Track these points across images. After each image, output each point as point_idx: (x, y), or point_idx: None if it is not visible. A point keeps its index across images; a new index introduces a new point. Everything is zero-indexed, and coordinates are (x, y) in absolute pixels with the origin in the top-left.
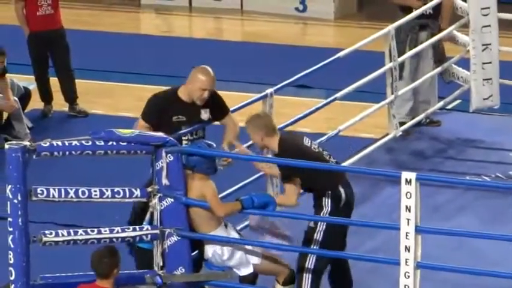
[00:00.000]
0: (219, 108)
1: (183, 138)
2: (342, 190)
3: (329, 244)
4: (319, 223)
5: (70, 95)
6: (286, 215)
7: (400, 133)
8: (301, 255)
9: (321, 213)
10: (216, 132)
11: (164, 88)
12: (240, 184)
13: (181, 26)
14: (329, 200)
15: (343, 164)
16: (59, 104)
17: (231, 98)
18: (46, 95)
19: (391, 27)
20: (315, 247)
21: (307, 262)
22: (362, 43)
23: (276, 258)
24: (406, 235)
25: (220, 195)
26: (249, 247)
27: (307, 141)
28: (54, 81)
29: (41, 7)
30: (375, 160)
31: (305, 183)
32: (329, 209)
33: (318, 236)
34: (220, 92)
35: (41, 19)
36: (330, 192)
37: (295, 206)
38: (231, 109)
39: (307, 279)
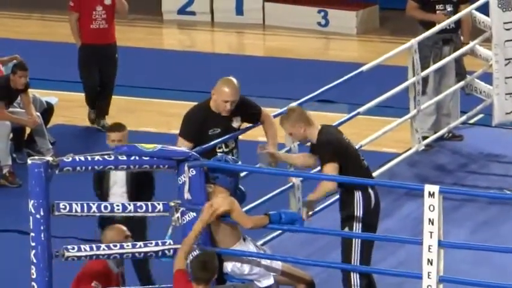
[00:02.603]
0: (250, 112)
1: (217, 150)
2: (371, 191)
3: (366, 247)
4: (354, 225)
5: (104, 109)
6: (313, 230)
7: (423, 147)
8: (344, 257)
9: (354, 211)
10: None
11: (188, 104)
12: (263, 198)
13: (203, 41)
14: (361, 199)
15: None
16: (80, 119)
17: None
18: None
19: (414, 41)
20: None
21: (352, 261)
22: (385, 57)
23: (296, 268)
24: (429, 248)
25: (244, 209)
26: (269, 259)
27: (345, 137)
28: (78, 97)
29: (95, 20)
30: (397, 174)
31: (341, 173)
32: (362, 210)
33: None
34: None
35: (94, 32)
36: (360, 191)
37: (333, 190)
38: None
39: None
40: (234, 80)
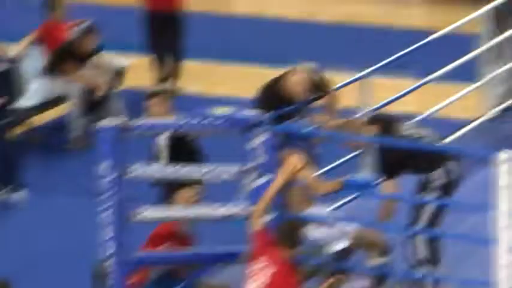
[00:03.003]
0: (319, 89)
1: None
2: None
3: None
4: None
5: (174, 72)
6: (388, 197)
7: (494, 115)
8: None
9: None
10: None
11: (259, 70)
12: (336, 162)
13: (273, 5)
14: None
15: None
16: (152, 82)
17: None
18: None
19: (487, 8)
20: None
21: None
22: (457, 24)
23: (371, 231)
24: (503, 214)
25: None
26: (343, 223)
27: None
28: (149, 60)
29: None
30: (468, 142)
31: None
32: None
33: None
34: None
35: None
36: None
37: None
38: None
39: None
40: (311, 67)
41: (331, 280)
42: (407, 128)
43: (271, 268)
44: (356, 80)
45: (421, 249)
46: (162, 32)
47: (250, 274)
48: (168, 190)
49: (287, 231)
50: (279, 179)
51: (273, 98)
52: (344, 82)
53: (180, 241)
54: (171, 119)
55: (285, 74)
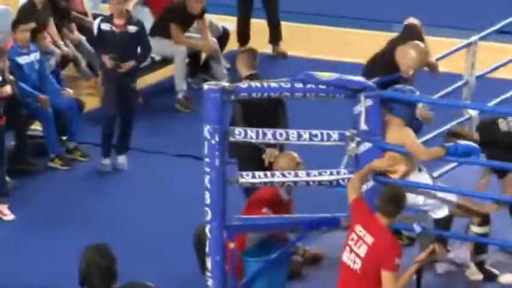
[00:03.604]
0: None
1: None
2: None
3: None
4: None
5: (274, 36)
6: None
7: None
8: None
9: None
10: None
11: (362, 32)
12: (439, 130)
13: None
14: None
15: None
16: (257, 45)
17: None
18: (244, 36)
19: None
20: None
21: None
22: None
23: (472, 201)
24: None
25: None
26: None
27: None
28: (255, 22)
29: None
30: None
31: None
32: None
33: None
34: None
35: None
36: None
37: None
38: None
39: None
40: (422, 46)
41: (431, 247)
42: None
43: (371, 236)
44: (468, 45)
45: None
46: None
47: (349, 241)
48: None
49: (389, 198)
50: (374, 166)
51: (383, 68)
52: (455, 48)
53: (279, 206)
54: (275, 83)
55: (396, 42)
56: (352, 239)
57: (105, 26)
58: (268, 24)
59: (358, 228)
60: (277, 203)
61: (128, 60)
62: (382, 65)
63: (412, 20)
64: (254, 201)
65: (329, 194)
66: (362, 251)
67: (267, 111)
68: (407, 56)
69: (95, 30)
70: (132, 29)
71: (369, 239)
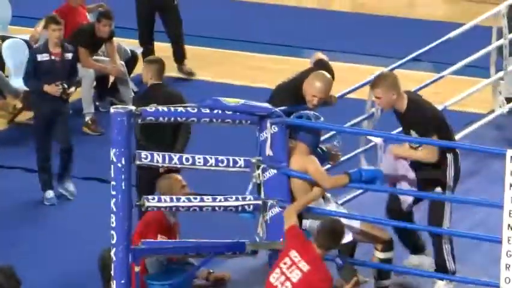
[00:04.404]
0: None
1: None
2: (458, 152)
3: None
4: (446, 187)
5: (178, 55)
6: (396, 190)
7: (508, 109)
8: (435, 221)
9: (446, 173)
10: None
11: (273, 57)
12: (345, 157)
13: None
14: (452, 161)
15: None
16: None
17: (341, 69)
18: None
19: (502, 6)
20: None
21: (444, 224)
22: (472, 23)
23: (374, 226)
24: (510, 213)
25: (325, 168)
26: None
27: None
28: (163, 46)
29: None
30: (482, 136)
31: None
32: (453, 171)
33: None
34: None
35: None
36: (452, 153)
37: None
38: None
39: (446, 244)
40: (328, 76)
41: (354, 279)
42: None
43: (307, 264)
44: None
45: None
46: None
47: (280, 264)
48: (151, 176)
49: (329, 232)
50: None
51: (289, 95)
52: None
53: (167, 231)
54: (181, 108)
55: (305, 74)
56: (285, 263)
57: (43, 57)
58: (172, 44)
59: (293, 254)
60: (167, 227)
61: (69, 86)
62: (288, 93)
63: (320, 56)
64: (146, 226)
65: (234, 220)
66: (295, 276)
67: (166, 129)
68: (312, 85)
69: (29, 63)
70: (68, 56)
71: (305, 267)
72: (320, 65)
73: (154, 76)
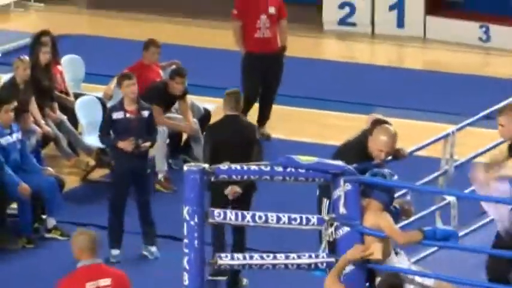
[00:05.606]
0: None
1: None
2: None
3: None
4: None
5: (265, 117)
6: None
7: None
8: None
9: None
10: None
11: (346, 115)
12: (419, 214)
13: (363, 52)
14: None
15: None
16: None
17: (412, 126)
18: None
19: None
20: None
21: None
22: None
23: (449, 286)
24: None
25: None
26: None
27: None
28: None
29: (259, 29)
30: None
31: None
32: None
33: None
34: (401, 121)
35: (258, 41)
36: None
37: None
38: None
39: None
40: (392, 129)
41: None
42: None
43: None
44: (445, 136)
45: None
46: (263, 74)
47: None
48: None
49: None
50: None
51: (355, 153)
52: (432, 139)
53: None
54: (255, 166)
55: (368, 132)
56: None
57: (118, 115)
58: (261, 103)
59: None
60: None
61: (143, 142)
62: (355, 151)
63: (376, 116)
64: None
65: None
66: None
67: (238, 151)
68: (378, 140)
69: (104, 121)
70: (145, 113)
71: None
72: (375, 123)
73: (231, 107)
